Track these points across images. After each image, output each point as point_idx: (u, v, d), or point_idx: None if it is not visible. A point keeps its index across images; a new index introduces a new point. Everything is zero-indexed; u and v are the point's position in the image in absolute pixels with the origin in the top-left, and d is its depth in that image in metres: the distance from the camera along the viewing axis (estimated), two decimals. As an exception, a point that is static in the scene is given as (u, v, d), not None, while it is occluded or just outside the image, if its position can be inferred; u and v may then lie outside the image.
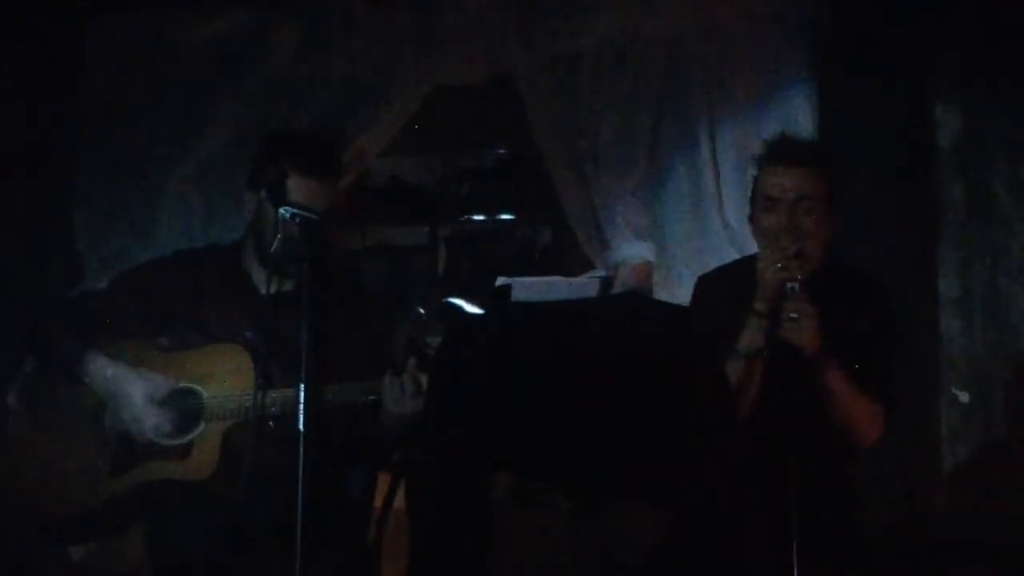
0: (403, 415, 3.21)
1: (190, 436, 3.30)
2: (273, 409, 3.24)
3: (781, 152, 3.18)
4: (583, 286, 3.49)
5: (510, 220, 5.12)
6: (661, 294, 4.08)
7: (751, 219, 3.26)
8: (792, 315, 3.03)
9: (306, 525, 2.93)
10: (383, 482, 3.48)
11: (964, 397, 3.93)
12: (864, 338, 3.14)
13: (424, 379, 3.19)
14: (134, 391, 3.29)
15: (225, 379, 3.31)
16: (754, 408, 3.10)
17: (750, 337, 3.09)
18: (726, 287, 3.27)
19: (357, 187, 4.63)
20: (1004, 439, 3.92)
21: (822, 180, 3.15)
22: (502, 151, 5.13)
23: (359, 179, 4.57)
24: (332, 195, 3.38)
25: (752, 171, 3.27)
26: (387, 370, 3.24)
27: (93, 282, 4.14)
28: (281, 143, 3.40)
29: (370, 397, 3.26)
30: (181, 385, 3.33)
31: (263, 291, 3.32)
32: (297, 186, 3.27)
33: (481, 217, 5.12)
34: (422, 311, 3.58)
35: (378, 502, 3.46)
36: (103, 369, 3.31)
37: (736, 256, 3.70)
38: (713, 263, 3.70)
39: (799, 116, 4.00)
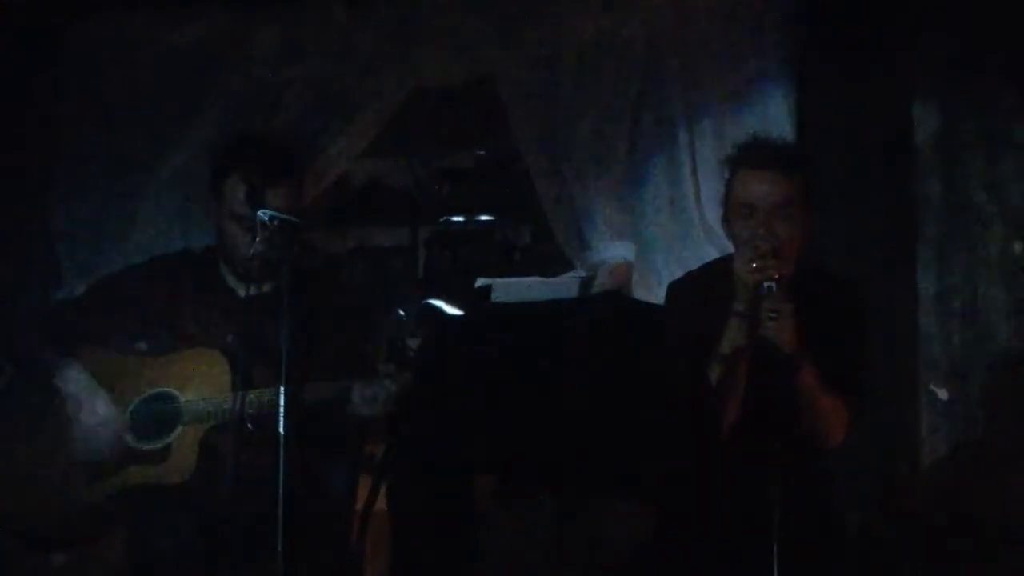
0: (383, 417, 3.21)
1: (167, 440, 3.29)
2: (250, 411, 3.24)
3: (753, 156, 3.18)
4: (563, 287, 3.49)
5: (490, 221, 5.11)
6: (640, 294, 4.08)
7: (725, 222, 3.27)
8: (771, 314, 3.04)
9: (287, 527, 2.92)
10: (364, 484, 3.47)
11: (943, 394, 3.94)
12: (834, 339, 3.14)
13: (404, 381, 3.18)
14: (98, 403, 3.29)
15: (203, 382, 3.30)
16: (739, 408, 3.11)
17: (732, 338, 3.09)
18: (699, 291, 3.27)
19: (336, 189, 4.61)
20: (982, 436, 3.93)
21: (795, 183, 3.15)
22: (482, 152, 5.11)
23: (339, 181, 4.55)
24: (297, 197, 3.38)
25: (726, 173, 3.27)
26: (367, 372, 3.24)
27: (71, 288, 4.12)
28: (238, 150, 3.40)
29: (348, 399, 3.25)
30: (157, 390, 3.32)
31: (240, 294, 3.31)
32: (261, 192, 3.27)
33: (461, 218, 5.10)
34: (402, 312, 3.57)
35: (360, 503, 3.46)
36: (73, 379, 3.30)
37: (716, 256, 3.70)
38: (693, 263, 3.70)
39: (777, 115, 4.00)
